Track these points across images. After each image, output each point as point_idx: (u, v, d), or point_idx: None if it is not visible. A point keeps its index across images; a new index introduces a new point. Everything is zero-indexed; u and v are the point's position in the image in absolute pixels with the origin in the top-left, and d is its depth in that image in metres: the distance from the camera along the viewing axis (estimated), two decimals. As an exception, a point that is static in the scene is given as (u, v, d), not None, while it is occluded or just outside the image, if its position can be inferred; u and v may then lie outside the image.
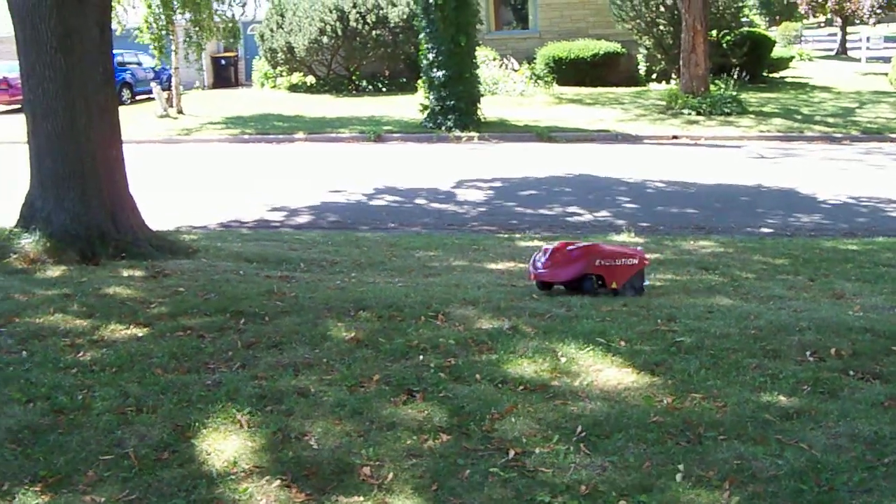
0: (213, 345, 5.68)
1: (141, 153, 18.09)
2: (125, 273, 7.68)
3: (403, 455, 4.19)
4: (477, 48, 23.30)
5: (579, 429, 4.43)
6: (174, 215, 12.12)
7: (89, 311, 6.40)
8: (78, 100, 8.43)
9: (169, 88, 28.32)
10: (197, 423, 4.52)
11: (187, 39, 26.42)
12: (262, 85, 33.70)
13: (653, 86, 29.15)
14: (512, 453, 4.20)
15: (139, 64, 33.54)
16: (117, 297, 6.79)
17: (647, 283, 7.44)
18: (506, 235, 11.08)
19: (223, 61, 37.97)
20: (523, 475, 4.01)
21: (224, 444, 4.30)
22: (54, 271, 7.73)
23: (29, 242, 8.17)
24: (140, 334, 5.92)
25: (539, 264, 7.22)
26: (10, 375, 5.22)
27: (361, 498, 3.85)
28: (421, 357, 5.41)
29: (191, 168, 18.55)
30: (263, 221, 12.65)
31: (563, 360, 5.36)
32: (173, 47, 26.89)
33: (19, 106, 30.39)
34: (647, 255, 7.62)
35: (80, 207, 8.36)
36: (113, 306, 6.54)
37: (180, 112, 27.06)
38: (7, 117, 29.70)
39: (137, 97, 32.22)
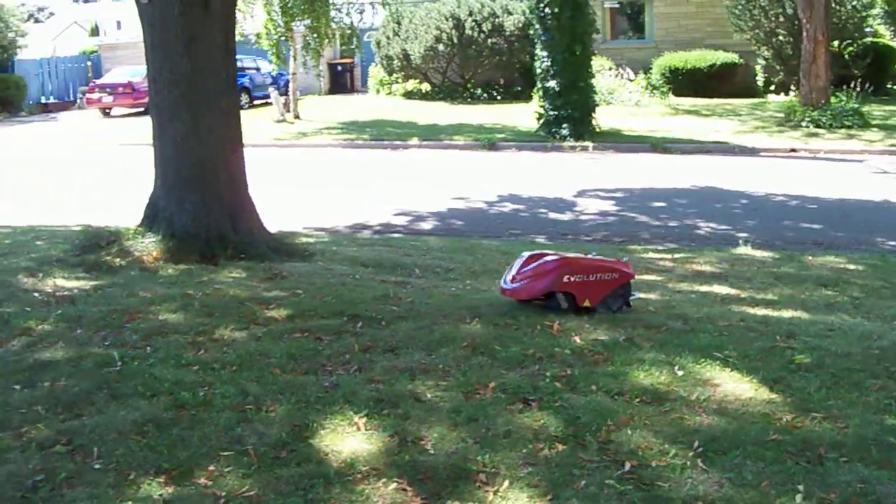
0: (331, 347, 5.76)
1: (258, 157, 18.38)
2: (243, 274, 7.83)
3: (519, 463, 4.18)
4: (592, 57, 23.15)
5: (696, 443, 4.36)
6: (291, 218, 12.29)
7: (209, 311, 6.56)
8: (201, 104, 8.63)
9: (286, 94, 28.79)
10: (315, 424, 4.59)
11: (305, 46, 26.80)
12: (378, 91, 34.04)
13: (771, 97, 28.59)
14: (628, 465, 4.16)
15: (257, 69, 34.19)
16: (236, 298, 6.94)
17: (636, 296, 6.88)
18: (621, 247, 10.98)
19: (340, 67, 38.49)
20: (639, 488, 3.97)
21: (341, 446, 4.36)
22: (175, 270, 7.93)
23: (152, 242, 8.38)
24: (258, 334, 6.04)
25: (508, 277, 6.70)
26: (134, 370, 5.37)
27: (476, 504, 3.87)
28: (536, 366, 5.40)
29: (306, 172, 18.81)
30: (388, 225, 12.76)
31: (680, 373, 5.29)
32: (291, 53, 27.33)
33: (143, 109, 31.40)
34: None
35: (200, 209, 8.56)
36: (232, 306, 6.68)
37: (297, 117, 27.49)
38: (132, 119, 30.58)
39: (255, 102, 32.81)
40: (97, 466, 4.25)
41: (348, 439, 4.42)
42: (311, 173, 18.63)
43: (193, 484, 4.06)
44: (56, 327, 6.25)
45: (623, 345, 5.79)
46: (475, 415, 4.69)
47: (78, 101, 37.64)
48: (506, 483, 4.00)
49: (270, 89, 29.58)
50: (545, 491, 3.95)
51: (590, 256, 7.04)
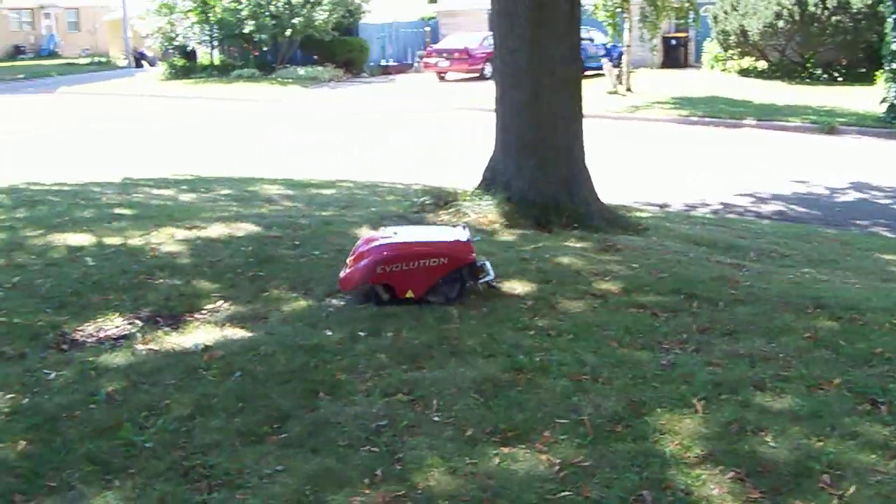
0: (667, 325, 5.65)
1: (590, 127, 18.39)
2: (577, 244, 7.83)
3: (867, 469, 3.91)
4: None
5: None
6: (623, 191, 12.20)
7: (545, 277, 6.60)
8: (544, 72, 8.68)
9: (619, 66, 28.61)
10: (651, 401, 4.52)
11: (642, 18, 26.51)
12: (712, 67, 33.17)
13: None
14: None
15: (591, 40, 34.14)
16: (571, 267, 6.94)
17: (488, 279, 6.22)
18: None
19: (673, 41, 37.82)
20: None
21: (677, 426, 4.26)
22: (511, 234, 8.05)
23: (488, 205, 8.56)
24: (594, 305, 6.02)
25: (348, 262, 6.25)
26: (473, 329, 5.50)
27: (820, 506, 3.68)
28: (886, 367, 5.04)
29: (638, 145, 18.68)
30: (728, 205, 12.54)
31: None
32: (626, 25, 27.10)
33: (477, 74, 32.25)
34: None
35: (538, 176, 8.64)
36: (567, 275, 6.69)
37: (629, 90, 27.28)
38: (466, 84, 31.39)
39: (587, 72, 32.77)
40: (436, 419, 4.38)
41: (685, 421, 4.32)
42: (642, 147, 18.47)
43: (529, 448, 4.09)
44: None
45: None
46: (819, 411, 4.45)
47: (415, 64, 39.12)
48: (852, 489, 3.77)
49: (603, 61, 29.49)
50: (897, 503, 3.70)
51: (420, 239, 6.39)
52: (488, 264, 6.32)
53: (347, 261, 6.24)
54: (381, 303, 5.99)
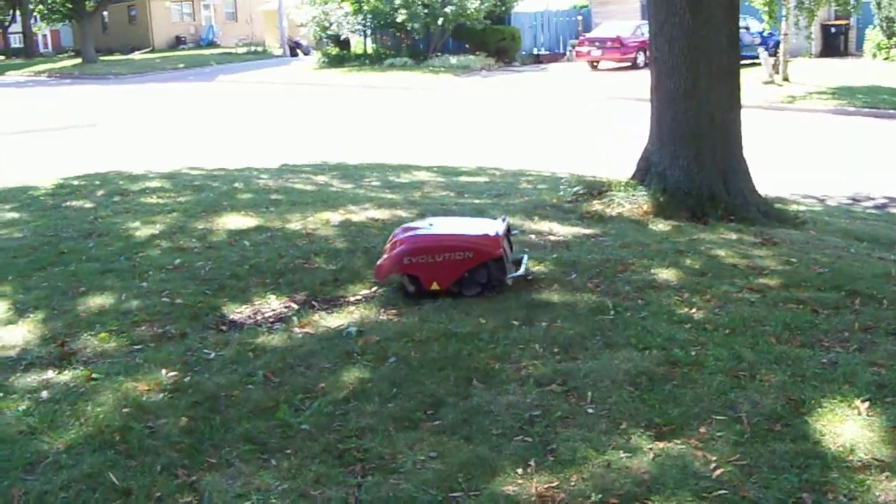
0: (828, 322, 5.47)
1: (745, 117, 17.89)
2: (734, 236, 7.65)
3: None
4: None
5: None
6: (778, 183, 11.87)
7: (701, 270, 6.48)
8: (702, 61, 8.51)
9: (775, 55, 27.83)
10: (811, 401, 4.37)
11: (799, 5, 25.69)
12: (874, 56, 31.90)
13: None
14: None
15: (746, 28, 33.22)
16: (728, 260, 6.81)
17: (517, 274, 6.09)
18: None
19: (833, 29, 36.54)
20: None
21: (839, 428, 4.12)
22: (666, 226, 7.92)
23: (643, 195, 8.44)
24: (752, 299, 5.87)
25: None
26: (627, 321, 5.43)
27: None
28: None
29: (796, 136, 18.13)
30: (892, 199, 12.05)
31: None
32: (784, 13, 26.32)
33: (629, 63, 31.88)
34: None
35: (693, 166, 8.48)
36: (724, 268, 6.57)
37: (785, 79, 26.48)
38: (618, 73, 31.04)
39: (742, 62, 31.92)
40: (590, 411, 4.34)
41: (847, 422, 4.17)
42: (799, 138, 17.93)
43: (684, 443, 4.02)
44: (552, 270, 6.47)
45: None
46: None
47: (567, 53, 38.78)
48: None
49: (759, 49, 28.70)
50: None
51: (450, 232, 6.37)
52: (525, 259, 6.31)
53: (384, 248, 6.32)
54: (408, 294, 6.01)
